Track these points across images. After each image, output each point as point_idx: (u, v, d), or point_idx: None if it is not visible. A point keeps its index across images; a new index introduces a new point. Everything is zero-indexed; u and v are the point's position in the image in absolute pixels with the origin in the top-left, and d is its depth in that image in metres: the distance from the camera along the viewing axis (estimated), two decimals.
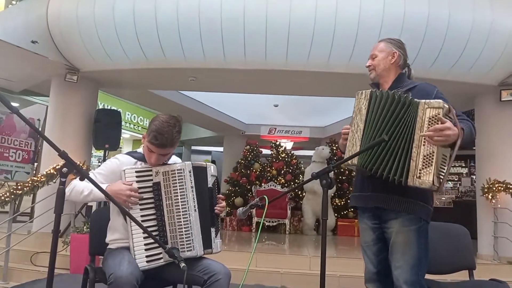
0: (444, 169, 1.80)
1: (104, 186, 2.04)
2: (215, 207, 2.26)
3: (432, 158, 1.75)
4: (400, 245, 1.96)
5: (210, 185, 2.25)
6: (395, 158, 1.83)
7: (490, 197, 5.49)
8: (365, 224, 2.16)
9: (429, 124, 1.77)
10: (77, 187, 2.09)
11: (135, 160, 2.24)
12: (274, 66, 5.37)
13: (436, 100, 1.81)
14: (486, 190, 5.56)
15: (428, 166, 1.75)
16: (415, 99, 1.84)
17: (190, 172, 2.16)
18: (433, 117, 1.77)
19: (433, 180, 1.73)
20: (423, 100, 1.81)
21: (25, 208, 6.96)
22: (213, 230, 2.22)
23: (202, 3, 4.92)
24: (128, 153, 2.29)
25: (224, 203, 2.34)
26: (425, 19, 4.81)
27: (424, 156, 1.76)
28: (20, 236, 5.19)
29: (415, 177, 1.77)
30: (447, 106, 1.79)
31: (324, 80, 5.89)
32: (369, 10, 4.85)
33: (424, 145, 1.77)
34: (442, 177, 1.78)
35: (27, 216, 6.95)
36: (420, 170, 1.76)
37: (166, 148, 2.12)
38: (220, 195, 2.34)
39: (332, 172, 8.54)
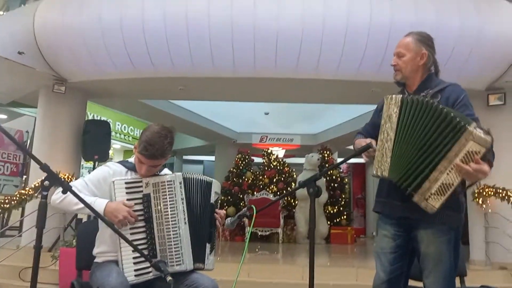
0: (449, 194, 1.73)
1: (96, 195, 2.04)
2: (216, 218, 2.22)
3: (449, 189, 1.69)
4: (432, 256, 1.90)
5: (212, 201, 2.22)
6: (415, 169, 1.75)
7: (480, 202, 5.51)
8: (387, 231, 2.05)
9: (465, 156, 1.65)
10: (70, 197, 2.00)
11: (126, 170, 2.20)
12: (263, 74, 5.38)
13: (482, 135, 1.65)
14: (476, 195, 5.58)
15: (441, 195, 1.70)
16: (462, 122, 1.67)
17: (180, 183, 2.13)
18: (473, 152, 1.65)
19: (438, 207, 1.70)
20: (472, 128, 1.64)
21: (13, 222, 6.85)
22: (208, 246, 2.19)
23: (190, 12, 4.92)
24: (120, 162, 2.26)
25: (223, 215, 2.29)
26: (412, 26, 4.82)
27: (443, 184, 1.69)
28: (9, 251, 5.10)
29: (423, 197, 1.72)
30: (490, 144, 1.66)
31: (313, 87, 5.91)
32: (356, 17, 4.88)
33: (449, 173, 1.69)
34: (443, 200, 1.73)
35: (16, 230, 6.83)
36: (431, 194, 1.70)
37: (157, 160, 2.08)
38: (221, 211, 2.29)
39: (324, 179, 8.54)
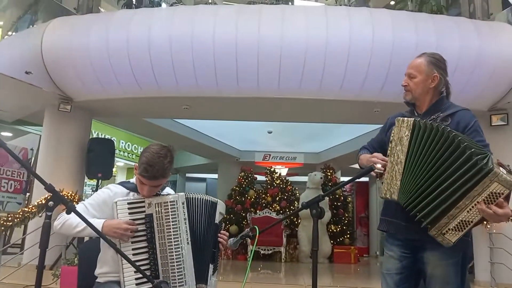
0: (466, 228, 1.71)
1: (97, 218, 2.03)
2: (219, 238, 2.22)
3: (467, 226, 1.67)
4: (439, 279, 1.88)
5: (217, 221, 2.22)
6: (431, 202, 1.72)
7: (485, 222, 5.46)
8: (393, 252, 2.03)
9: (488, 197, 1.61)
10: (70, 221, 2.03)
11: (128, 191, 2.20)
12: (267, 94, 5.43)
13: (508, 177, 1.60)
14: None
15: (459, 231, 1.68)
16: (487, 163, 1.63)
17: (183, 203, 2.13)
18: (497, 193, 1.61)
19: (449, 240, 1.69)
20: (497, 169, 1.61)
21: (15, 240, 6.85)
22: (211, 266, 2.19)
23: (195, 33, 5.01)
24: (121, 183, 2.26)
25: (226, 237, 2.29)
26: (413, 48, 4.91)
27: (462, 221, 1.67)
28: (10, 268, 5.08)
29: (440, 232, 1.70)
30: None
31: (316, 107, 5.95)
32: (359, 39, 4.95)
33: (469, 211, 1.66)
34: (459, 234, 1.70)
35: (18, 248, 6.82)
36: (449, 229, 1.69)
37: (158, 180, 2.08)
38: (225, 232, 2.29)
39: (327, 198, 8.51)
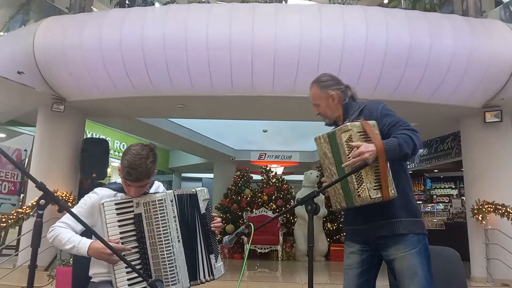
0: (378, 179, 1.87)
1: (88, 225, 1.99)
2: (211, 226, 2.21)
3: (361, 176, 1.86)
4: (406, 271, 1.97)
5: (203, 211, 2.20)
6: (341, 187, 1.95)
7: (480, 218, 5.49)
8: (353, 248, 2.16)
9: (347, 146, 1.89)
10: (60, 236, 2.00)
11: (115, 192, 2.16)
12: (261, 92, 5.42)
13: (346, 124, 1.93)
14: (476, 211, 5.57)
15: (361, 184, 1.87)
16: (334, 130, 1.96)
17: (172, 201, 2.11)
18: (347, 139, 1.90)
19: (369, 195, 1.85)
20: (337, 128, 1.95)
21: (10, 241, 6.80)
22: (212, 256, 2.17)
23: (189, 32, 4.99)
24: (107, 186, 2.21)
25: (219, 223, 2.27)
26: (407, 47, 4.92)
27: (355, 176, 1.87)
28: (5, 270, 5.04)
29: (356, 197, 1.88)
30: (357, 123, 1.91)
31: (311, 105, 5.91)
32: (353, 38, 4.95)
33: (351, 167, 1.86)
34: (378, 187, 1.87)
35: (13, 249, 6.77)
36: (357, 189, 1.87)
37: (143, 181, 2.04)
38: (215, 214, 2.28)
39: (323, 196, 8.51)
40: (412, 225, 2.00)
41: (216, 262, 2.19)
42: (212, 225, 2.23)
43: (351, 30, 4.97)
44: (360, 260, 2.12)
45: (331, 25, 5.03)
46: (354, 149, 1.86)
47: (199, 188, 2.24)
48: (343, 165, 1.89)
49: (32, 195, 5.63)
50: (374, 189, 1.87)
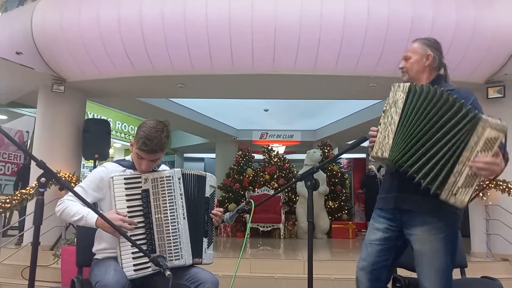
0: (475, 188, 1.72)
1: (96, 199, 2.09)
2: (211, 215, 2.24)
3: (475, 180, 1.68)
4: (427, 256, 1.87)
5: (207, 194, 2.24)
6: (435, 165, 1.70)
7: (481, 194, 5.51)
8: (379, 224, 2.05)
9: (484, 145, 1.65)
10: (68, 209, 2.03)
11: (124, 168, 2.21)
12: (262, 71, 5.37)
13: (497, 121, 1.66)
14: (476, 187, 5.57)
15: (468, 187, 1.67)
16: (475, 110, 1.69)
17: (179, 179, 2.15)
18: (491, 139, 1.65)
19: (464, 200, 1.68)
20: (484, 116, 1.67)
21: (15, 222, 6.88)
22: (205, 240, 2.20)
23: (187, 10, 4.92)
24: (116, 161, 2.27)
25: (219, 213, 2.30)
26: (409, 21, 4.83)
27: (468, 175, 1.67)
28: (10, 250, 5.12)
29: (450, 192, 1.68)
30: (506, 131, 1.66)
31: (312, 83, 5.91)
32: (354, 13, 4.86)
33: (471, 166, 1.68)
34: (472, 195, 1.70)
35: (18, 230, 6.86)
36: (459, 187, 1.67)
37: (156, 153, 2.11)
38: (219, 209, 2.32)
39: (324, 175, 8.55)
40: (448, 215, 1.87)
41: (207, 248, 2.21)
42: (212, 211, 2.27)
43: (352, 5, 4.88)
44: (383, 238, 2.02)
45: (332, 0, 4.94)
46: (487, 152, 1.64)
47: (209, 174, 2.29)
48: (469, 163, 1.67)
49: (36, 175, 5.65)
50: (471, 197, 1.69)
